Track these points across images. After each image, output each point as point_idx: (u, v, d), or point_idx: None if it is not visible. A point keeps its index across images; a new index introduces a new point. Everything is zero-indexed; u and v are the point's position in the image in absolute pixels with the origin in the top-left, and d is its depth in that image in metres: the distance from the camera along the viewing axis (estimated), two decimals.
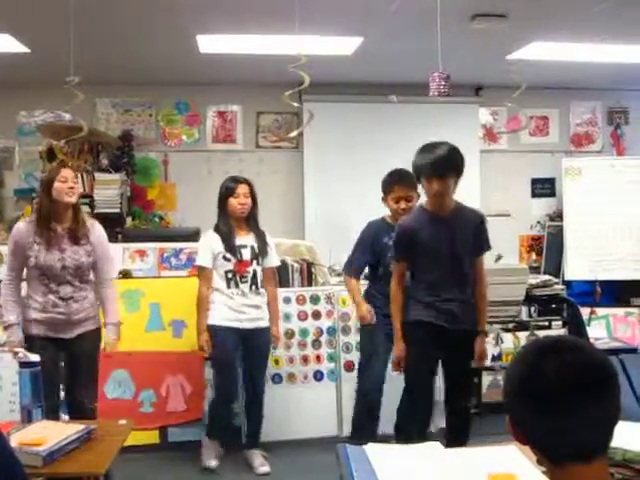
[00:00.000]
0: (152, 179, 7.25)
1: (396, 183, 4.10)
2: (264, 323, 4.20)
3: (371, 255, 4.20)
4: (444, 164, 3.48)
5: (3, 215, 6.89)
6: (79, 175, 6.36)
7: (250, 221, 4.18)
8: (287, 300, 4.91)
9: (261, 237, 4.19)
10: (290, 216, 7.27)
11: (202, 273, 4.14)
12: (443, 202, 3.56)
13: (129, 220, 6.69)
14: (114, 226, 6.24)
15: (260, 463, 4.22)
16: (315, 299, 4.97)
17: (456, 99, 6.46)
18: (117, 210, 6.45)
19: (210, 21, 5.01)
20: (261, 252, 4.16)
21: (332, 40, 5.53)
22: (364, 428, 4.12)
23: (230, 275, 4.09)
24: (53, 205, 3.54)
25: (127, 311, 4.72)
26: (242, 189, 4.11)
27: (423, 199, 3.78)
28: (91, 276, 3.74)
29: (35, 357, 2.72)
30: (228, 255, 4.07)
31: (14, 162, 7.09)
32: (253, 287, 4.13)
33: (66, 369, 3.67)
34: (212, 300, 4.13)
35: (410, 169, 3.87)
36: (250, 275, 4.11)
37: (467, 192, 7.12)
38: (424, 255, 3.59)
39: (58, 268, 3.55)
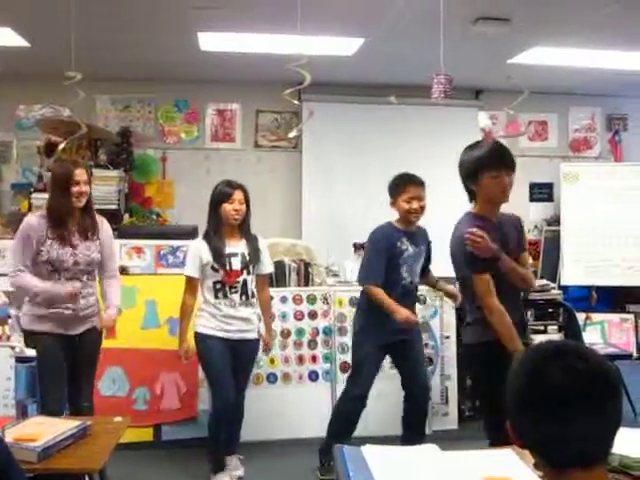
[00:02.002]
0: (150, 176, 7.22)
1: (409, 183, 3.99)
2: (252, 335, 4.04)
3: (388, 261, 3.98)
4: (511, 156, 3.19)
5: (0, 210, 6.87)
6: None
7: (242, 227, 3.99)
8: (284, 300, 4.92)
9: (253, 243, 4.01)
10: (288, 216, 7.26)
11: (189, 283, 3.97)
12: (503, 203, 3.27)
13: (126, 217, 6.66)
14: (111, 222, 6.16)
15: (234, 466, 4.14)
16: (312, 299, 4.97)
17: (456, 102, 6.46)
18: (115, 206, 6.41)
19: (212, 19, 4.99)
20: (252, 260, 3.96)
21: (333, 40, 5.52)
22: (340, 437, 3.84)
23: (218, 286, 3.91)
24: (64, 204, 3.55)
25: (123, 307, 4.71)
26: (238, 195, 3.91)
27: (468, 206, 3.38)
28: (95, 273, 3.79)
29: (31, 352, 2.71)
30: (216, 265, 3.88)
31: (12, 156, 7.07)
32: (243, 297, 3.94)
33: (67, 367, 3.60)
34: (200, 308, 4.01)
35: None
36: (240, 285, 3.93)
37: (465, 195, 7.18)
38: (488, 267, 3.13)
39: (70, 263, 3.57)
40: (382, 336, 4.01)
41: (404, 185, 3.99)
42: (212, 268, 3.88)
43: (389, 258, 4.00)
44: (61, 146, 5.12)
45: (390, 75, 6.72)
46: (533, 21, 4.88)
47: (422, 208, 3.99)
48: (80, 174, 3.58)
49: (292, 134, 6.24)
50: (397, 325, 3.88)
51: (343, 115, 7.15)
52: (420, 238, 4.10)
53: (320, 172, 7.19)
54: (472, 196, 3.29)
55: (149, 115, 7.29)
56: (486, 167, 3.14)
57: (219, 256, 3.87)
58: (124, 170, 6.72)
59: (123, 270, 4.93)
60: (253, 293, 4.01)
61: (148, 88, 7.15)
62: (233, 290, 3.90)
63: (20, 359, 2.68)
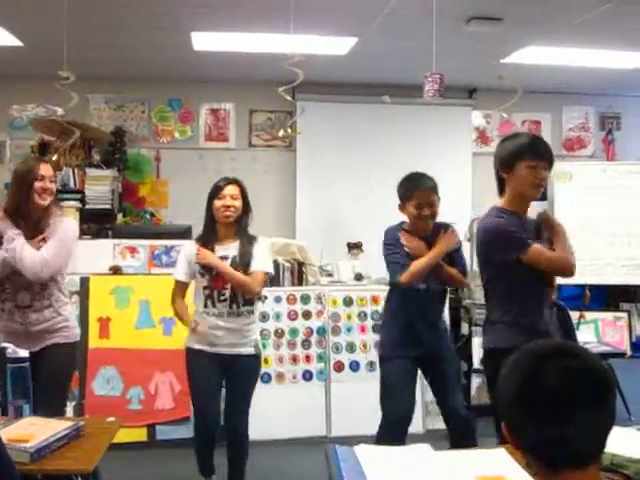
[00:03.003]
0: (144, 175, 7.23)
1: (417, 188, 3.57)
2: (246, 350, 3.55)
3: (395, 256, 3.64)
4: (551, 151, 3.03)
5: None
6: (73, 171, 6.39)
7: (239, 226, 3.58)
8: (278, 299, 4.92)
9: (246, 245, 3.56)
10: (282, 215, 7.26)
11: (176, 286, 3.63)
12: (533, 198, 3.14)
13: (120, 216, 6.67)
14: (105, 222, 6.24)
15: None
16: (305, 299, 4.97)
17: (450, 101, 6.47)
18: (108, 206, 6.44)
19: (205, 18, 4.99)
20: (243, 263, 3.51)
21: (326, 40, 5.53)
22: None
23: (207, 292, 3.53)
24: (26, 203, 3.20)
25: (116, 307, 4.71)
26: (230, 190, 3.52)
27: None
28: (58, 283, 3.35)
29: (23, 353, 2.70)
30: (202, 270, 3.51)
31: (5, 156, 7.07)
32: (234, 306, 3.52)
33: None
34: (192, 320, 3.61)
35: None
36: (228, 291, 3.50)
37: (459, 194, 7.20)
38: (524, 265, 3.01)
39: (18, 272, 3.17)
40: (408, 346, 3.60)
41: (412, 190, 3.58)
42: (199, 272, 3.54)
43: (399, 257, 3.63)
44: (54, 157, 5.08)
45: (383, 74, 6.73)
46: (526, 21, 4.89)
47: (433, 214, 3.58)
48: (45, 169, 3.24)
49: (282, 132, 6.25)
50: (422, 334, 3.57)
51: (337, 114, 7.16)
52: (434, 239, 3.60)
53: (314, 171, 7.20)
54: (502, 188, 3.12)
55: (142, 114, 7.29)
56: (525, 155, 2.97)
57: None
58: (118, 170, 6.74)
59: (117, 270, 4.93)
60: (247, 301, 3.57)
61: (142, 87, 7.15)
62: (222, 297, 3.51)
63: (12, 360, 2.67)
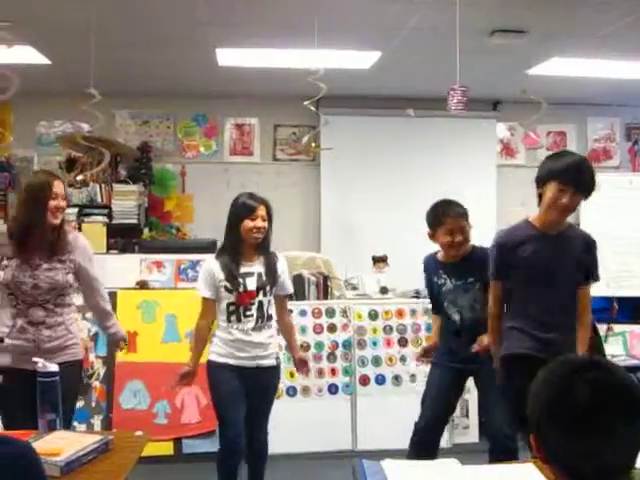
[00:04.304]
0: (169, 190, 7.28)
1: (446, 214, 3.62)
2: (268, 362, 3.60)
3: (433, 294, 3.85)
4: (587, 179, 3.08)
5: None
6: (100, 186, 6.44)
7: (262, 244, 3.60)
8: (303, 313, 4.93)
9: (270, 263, 3.61)
10: (307, 229, 7.28)
11: (204, 304, 3.62)
12: (562, 220, 3.18)
13: (146, 231, 6.72)
14: (131, 237, 6.29)
15: None
16: (331, 312, 4.98)
17: (474, 113, 6.45)
18: (134, 221, 6.48)
19: (229, 35, 5.04)
20: (269, 280, 3.57)
21: (350, 54, 5.54)
22: None
23: (232, 308, 3.53)
24: (38, 219, 3.14)
25: (143, 322, 4.75)
26: (261, 210, 3.54)
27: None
28: (69, 299, 3.33)
29: (54, 367, 2.72)
30: (229, 285, 3.51)
31: (33, 172, 7.16)
32: (259, 321, 3.54)
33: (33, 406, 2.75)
34: (214, 334, 3.65)
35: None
36: (255, 307, 3.53)
37: (484, 206, 7.17)
38: (523, 274, 3.18)
39: (29, 287, 3.14)
40: (446, 357, 3.73)
41: (442, 217, 3.64)
42: (225, 289, 3.52)
43: (432, 290, 3.84)
44: (80, 177, 5.10)
45: (407, 88, 6.74)
46: (550, 33, 4.87)
47: (466, 240, 3.63)
48: (59, 186, 3.20)
49: (304, 140, 6.28)
50: (459, 350, 3.66)
51: (361, 128, 7.17)
52: (470, 267, 3.65)
53: (338, 184, 7.21)
54: (540, 201, 3.21)
55: (168, 130, 7.35)
56: (555, 178, 3.06)
57: (232, 276, 3.51)
58: (144, 185, 6.79)
59: (143, 285, 4.98)
60: (270, 316, 3.61)
61: (167, 103, 7.21)
62: (248, 313, 3.52)
63: (43, 374, 2.70)
